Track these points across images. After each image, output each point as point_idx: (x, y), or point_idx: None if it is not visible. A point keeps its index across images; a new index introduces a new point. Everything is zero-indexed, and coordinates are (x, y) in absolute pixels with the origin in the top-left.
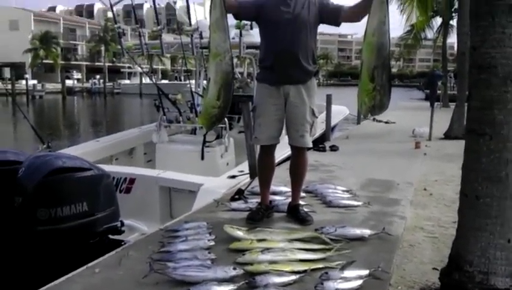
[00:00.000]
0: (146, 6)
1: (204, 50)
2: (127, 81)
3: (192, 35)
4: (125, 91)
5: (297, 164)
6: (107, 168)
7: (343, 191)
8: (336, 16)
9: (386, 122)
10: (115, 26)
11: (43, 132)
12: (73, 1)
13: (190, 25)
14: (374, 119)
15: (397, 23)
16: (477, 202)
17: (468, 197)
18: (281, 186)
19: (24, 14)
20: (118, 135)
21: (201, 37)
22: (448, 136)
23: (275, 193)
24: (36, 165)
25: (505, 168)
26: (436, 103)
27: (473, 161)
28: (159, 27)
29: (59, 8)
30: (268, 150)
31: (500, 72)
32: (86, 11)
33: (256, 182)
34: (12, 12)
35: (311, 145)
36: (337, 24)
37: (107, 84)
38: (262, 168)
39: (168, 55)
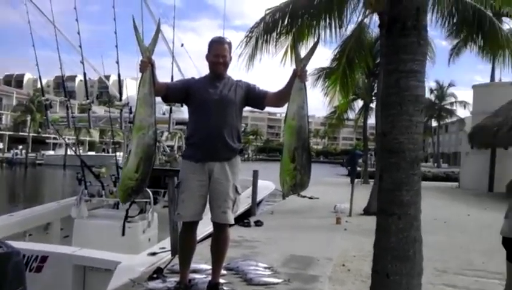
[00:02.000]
0: (78, 78)
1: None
2: (51, 152)
3: (121, 110)
4: (49, 162)
5: (218, 240)
6: (18, 245)
7: (265, 268)
8: (260, 101)
9: (310, 198)
10: (42, 98)
11: None
12: (2, 70)
13: (120, 99)
14: (298, 194)
15: (322, 104)
16: (388, 280)
17: (379, 274)
18: (201, 264)
19: None
20: (33, 209)
21: (130, 112)
22: (367, 212)
23: (195, 271)
24: None
25: (413, 246)
26: (357, 180)
27: (383, 239)
28: (87, 101)
29: None
30: (190, 227)
31: (408, 156)
32: (15, 81)
33: (176, 259)
34: None
35: (233, 222)
36: (262, 108)
37: (30, 154)
38: (183, 245)
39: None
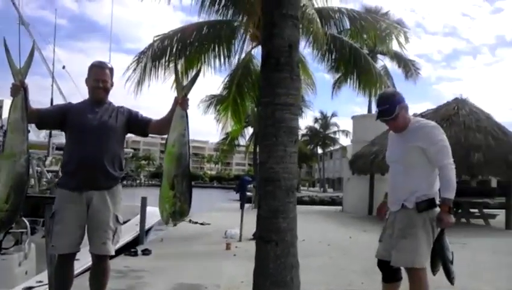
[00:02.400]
0: None
1: None
2: None
3: None
4: None
5: (98, 272)
6: None
7: None
8: (143, 128)
9: (202, 224)
10: None
11: None
12: None
13: None
14: (190, 221)
15: (215, 129)
16: None
17: None
18: None
19: None
20: None
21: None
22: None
23: None
24: None
25: (290, 272)
26: (248, 205)
27: (262, 266)
28: None
29: None
30: (66, 259)
31: (283, 185)
32: None
33: None
34: None
35: (113, 253)
36: (145, 135)
37: None
38: (59, 279)
39: None
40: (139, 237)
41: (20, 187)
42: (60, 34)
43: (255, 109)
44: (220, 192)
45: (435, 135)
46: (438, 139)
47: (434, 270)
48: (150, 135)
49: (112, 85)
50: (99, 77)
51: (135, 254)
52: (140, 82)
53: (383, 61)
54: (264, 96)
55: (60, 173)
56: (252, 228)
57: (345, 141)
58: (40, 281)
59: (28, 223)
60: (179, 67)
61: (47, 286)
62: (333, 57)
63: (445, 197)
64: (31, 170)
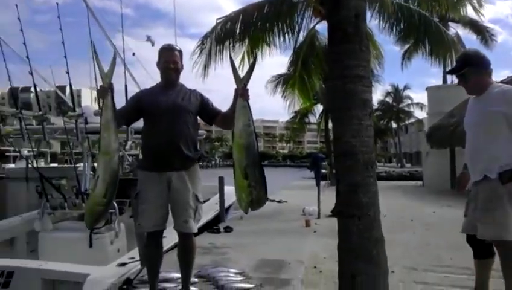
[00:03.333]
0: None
1: (90, 135)
2: (11, 165)
3: (77, 120)
4: (10, 175)
5: (184, 249)
6: None
7: (236, 273)
8: (211, 117)
9: (279, 202)
10: None
11: None
12: None
13: (74, 110)
14: (267, 199)
15: (284, 109)
16: (354, 281)
17: (345, 276)
18: (172, 273)
19: None
20: None
21: (86, 122)
22: (335, 213)
23: (166, 280)
24: None
25: (375, 246)
26: (324, 182)
27: (345, 241)
28: (39, 113)
29: None
30: (154, 237)
31: (361, 158)
32: None
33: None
34: None
35: (195, 230)
36: (210, 123)
37: None
38: (148, 255)
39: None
40: (219, 215)
41: (114, 183)
42: (126, 23)
43: (323, 86)
44: (293, 170)
45: None
46: None
47: None
48: (215, 126)
49: (182, 67)
50: (169, 58)
51: (217, 231)
52: (206, 66)
53: (455, 29)
54: (333, 70)
55: (140, 156)
56: (329, 204)
57: (420, 114)
58: (132, 257)
59: (116, 204)
60: (244, 48)
61: (139, 262)
62: (401, 26)
63: None
64: None
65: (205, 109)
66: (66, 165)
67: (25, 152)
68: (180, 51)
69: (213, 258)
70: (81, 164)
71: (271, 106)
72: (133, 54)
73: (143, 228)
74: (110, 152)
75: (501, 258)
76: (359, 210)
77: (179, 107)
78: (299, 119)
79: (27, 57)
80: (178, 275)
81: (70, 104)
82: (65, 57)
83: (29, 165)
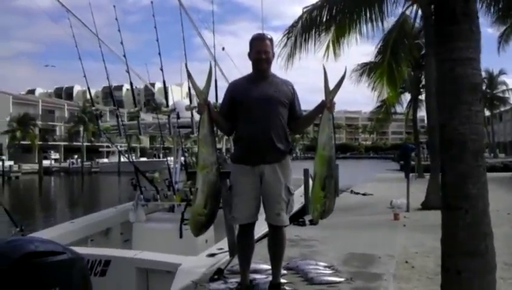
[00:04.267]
0: (125, 87)
1: (181, 129)
2: (105, 160)
3: (169, 116)
4: (104, 170)
5: (275, 242)
6: (81, 250)
7: (325, 267)
8: (294, 117)
9: (364, 195)
10: (92, 108)
11: (17, 214)
12: (52, 84)
13: (167, 106)
14: (351, 191)
15: (368, 99)
16: (459, 277)
17: (449, 272)
18: (261, 264)
19: (3, 97)
20: (93, 215)
21: (178, 117)
22: (425, 206)
23: (255, 271)
24: (7, 250)
25: (484, 241)
26: (411, 174)
27: (451, 235)
28: (135, 109)
29: (38, 91)
30: (246, 229)
31: (471, 147)
32: (65, 93)
33: (236, 260)
34: None
35: (287, 223)
36: (289, 124)
37: (85, 163)
38: (241, 247)
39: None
40: (304, 208)
41: (214, 194)
42: (211, 20)
43: (412, 73)
44: (376, 162)
45: None
46: None
47: None
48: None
49: (273, 55)
50: (260, 48)
51: (303, 224)
52: (291, 56)
53: None
54: (440, 53)
55: (233, 148)
56: (418, 197)
57: None
58: (221, 248)
59: None
60: (330, 36)
61: (227, 253)
62: (500, 6)
63: None
64: None
65: (293, 106)
66: (155, 159)
67: (117, 148)
68: (271, 39)
69: (300, 250)
70: (170, 158)
71: (353, 97)
72: (223, 48)
73: (237, 220)
74: (207, 165)
75: None
76: (468, 202)
77: (272, 99)
78: (386, 109)
79: (124, 56)
80: (267, 266)
81: (163, 100)
82: (159, 54)
83: (122, 159)
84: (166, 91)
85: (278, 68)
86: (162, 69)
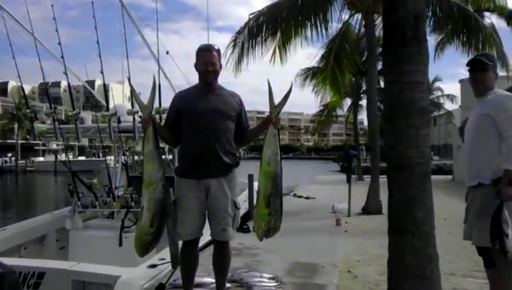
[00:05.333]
0: (63, 83)
1: (122, 134)
2: (41, 159)
3: (109, 120)
4: (39, 169)
5: (220, 257)
6: (13, 261)
7: (269, 278)
8: (241, 130)
9: (307, 198)
10: (27, 111)
11: None
12: None
13: (108, 109)
14: (294, 195)
15: (310, 101)
16: None
17: None
18: (205, 277)
19: None
20: (27, 221)
21: (119, 122)
22: (365, 211)
23: (199, 285)
24: None
25: (429, 264)
26: (352, 176)
27: (398, 258)
28: (74, 112)
29: None
30: (191, 245)
31: (418, 170)
32: None
33: (178, 272)
34: None
35: (233, 238)
36: (236, 137)
37: (20, 162)
38: (185, 264)
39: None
40: (248, 213)
41: (161, 212)
42: (154, 18)
43: (353, 79)
44: (318, 163)
45: (508, 104)
46: (509, 109)
47: (494, 246)
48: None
49: (220, 67)
50: (207, 60)
51: (247, 231)
52: (239, 61)
53: (489, 19)
54: (389, 74)
55: (177, 162)
56: (359, 201)
57: (450, 106)
58: (163, 259)
59: None
60: (276, 42)
61: (169, 264)
62: (438, 15)
63: (507, 169)
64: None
65: (240, 121)
66: (95, 159)
67: (53, 145)
68: (218, 51)
69: (244, 260)
70: (110, 157)
71: (296, 99)
72: (167, 52)
73: (181, 236)
74: (153, 182)
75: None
76: (414, 226)
77: (219, 112)
78: (328, 112)
79: (62, 57)
80: (211, 279)
81: (100, 99)
82: (100, 56)
83: (59, 158)
84: (107, 95)
85: (225, 74)
86: (102, 72)
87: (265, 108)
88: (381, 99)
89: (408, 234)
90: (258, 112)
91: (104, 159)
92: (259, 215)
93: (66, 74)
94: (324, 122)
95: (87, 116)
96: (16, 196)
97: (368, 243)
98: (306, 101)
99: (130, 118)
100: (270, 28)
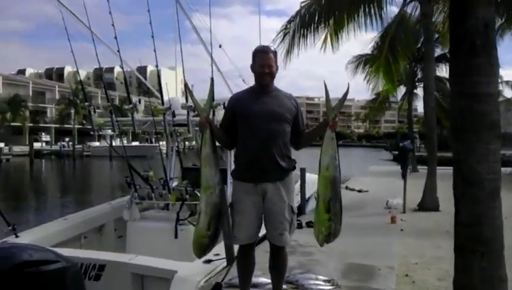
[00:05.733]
0: (117, 69)
1: (176, 127)
2: (96, 143)
3: (164, 114)
4: (95, 153)
5: (277, 261)
6: (75, 253)
7: (325, 281)
8: (298, 133)
9: (359, 191)
10: (86, 104)
11: (8, 199)
12: (43, 64)
13: (162, 103)
14: (346, 187)
15: (361, 87)
16: None
17: None
18: (260, 277)
19: None
20: (87, 211)
21: (173, 116)
22: (421, 207)
23: (255, 285)
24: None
25: (498, 287)
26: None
27: (464, 278)
28: (130, 105)
29: (29, 71)
30: (248, 248)
31: (487, 187)
32: (55, 74)
33: (233, 269)
34: None
35: (290, 243)
36: (292, 144)
37: (77, 146)
38: (242, 266)
39: (140, 115)
40: (300, 207)
41: (218, 215)
42: (204, 2)
43: (407, 67)
44: (369, 151)
45: None
46: None
47: None
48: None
49: (277, 69)
50: (264, 62)
51: (300, 227)
52: (289, 51)
53: None
54: (456, 85)
55: (233, 165)
56: (414, 195)
57: (509, 93)
58: (217, 254)
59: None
60: (327, 29)
61: (224, 260)
62: (498, 3)
63: None
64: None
65: (296, 122)
66: (147, 144)
67: (108, 131)
68: (274, 52)
69: (298, 259)
70: (163, 143)
71: (346, 85)
72: (220, 46)
73: (239, 240)
74: (211, 187)
75: None
76: (483, 246)
77: (275, 114)
78: (380, 101)
79: (118, 51)
80: (266, 280)
81: (151, 87)
82: (152, 37)
83: (114, 144)
84: (161, 89)
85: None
86: (155, 51)
87: (315, 94)
88: (438, 89)
89: (476, 254)
90: (308, 98)
91: (157, 144)
92: (320, 220)
93: (122, 67)
94: (376, 109)
95: (140, 101)
96: (74, 180)
97: (425, 243)
98: (357, 87)
99: (185, 112)
100: (323, 16)
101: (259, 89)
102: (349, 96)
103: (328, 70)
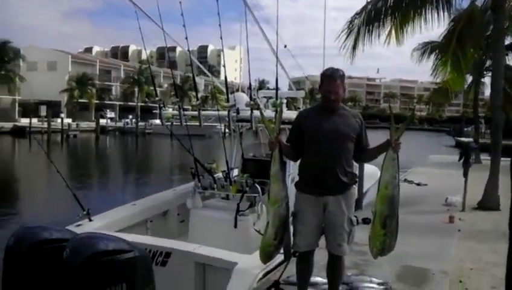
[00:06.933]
0: (178, 48)
1: (240, 123)
2: (158, 121)
3: (229, 111)
4: (157, 131)
5: (334, 270)
6: (144, 239)
7: (379, 284)
8: (361, 149)
9: (418, 184)
10: (156, 99)
11: (76, 175)
12: (109, 42)
13: (228, 100)
14: (405, 180)
15: (426, 69)
16: None
17: None
18: (316, 277)
19: (62, 56)
20: (153, 197)
21: (237, 112)
22: (482, 206)
23: (311, 285)
24: (79, 247)
25: None
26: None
27: None
28: (198, 102)
29: (95, 49)
30: (307, 255)
31: None
32: (120, 53)
33: (291, 266)
34: (51, 54)
35: (348, 254)
36: (354, 159)
37: (139, 123)
38: (300, 270)
39: (199, 95)
40: (357, 202)
41: (283, 225)
42: None
43: (475, 56)
44: (431, 135)
45: None
46: None
47: None
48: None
49: (344, 91)
50: (331, 89)
51: (356, 223)
52: (354, 47)
53: None
54: None
55: (297, 175)
56: (474, 191)
57: None
58: None
59: (259, 188)
60: (392, 24)
61: (282, 255)
62: None
63: None
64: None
65: (359, 139)
66: (206, 124)
67: (169, 110)
68: (342, 77)
69: (354, 259)
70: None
71: (410, 65)
72: (285, 46)
73: (299, 247)
74: (278, 200)
75: None
76: None
77: (341, 133)
78: (444, 92)
79: (186, 38)
80: (322, 280)
81: (216, 64)
82: (218, 14)
83: (175, 124)
84: (227, 87)
85: (342, 60)
86: (224, 65)
87: (377, 75)
88: (506, 76)
89: None
90: (368, 79)
91: (216, 124)
92: (375, 235)
93: (190, 57)
94: (441, 98)
95: (200, 81)
96: (137, 157)
97: (483, 247)
98: (420, 68)
99: (248, 109)
100: (389, 14)
101: (326, 108)
102: (412, 78)
103: (391, 51)
